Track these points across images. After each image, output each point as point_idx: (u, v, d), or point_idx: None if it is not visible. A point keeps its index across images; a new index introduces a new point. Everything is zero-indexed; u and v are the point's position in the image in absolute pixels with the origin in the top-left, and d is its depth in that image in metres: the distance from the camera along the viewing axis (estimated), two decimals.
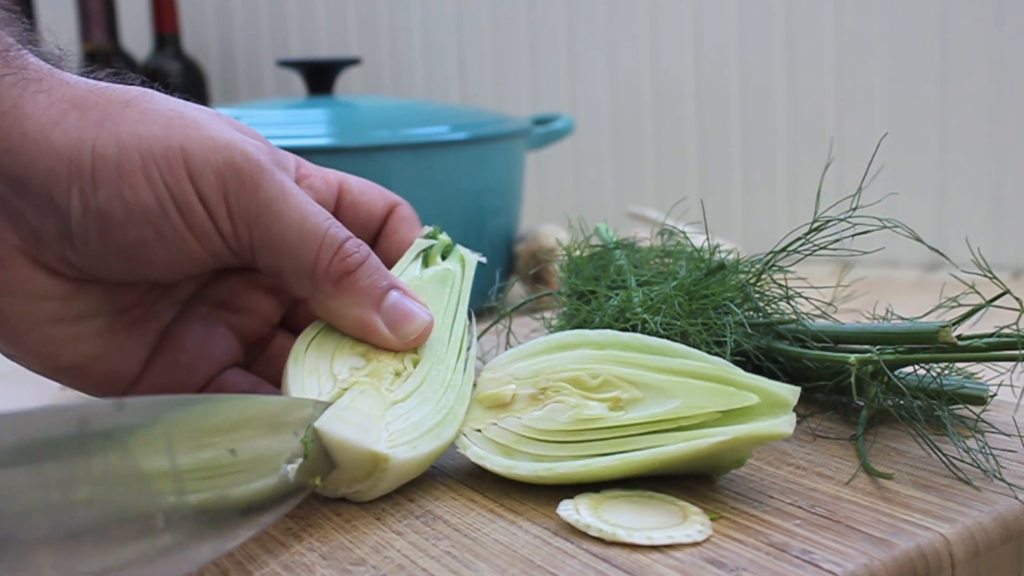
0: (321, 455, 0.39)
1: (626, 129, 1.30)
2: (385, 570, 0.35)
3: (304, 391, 0.40)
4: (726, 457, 0.39)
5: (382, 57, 1.52)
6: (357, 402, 0.40)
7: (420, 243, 0.49)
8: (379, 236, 0.50)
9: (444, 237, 0.50)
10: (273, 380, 0.48)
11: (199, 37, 1.67)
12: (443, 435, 0.41)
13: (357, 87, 1.52)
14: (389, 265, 0.49)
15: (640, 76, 1.27)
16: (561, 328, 0.54)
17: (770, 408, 0.39)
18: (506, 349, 0.58)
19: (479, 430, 0.42)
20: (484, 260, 0.51)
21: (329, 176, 0.49)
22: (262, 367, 0.49)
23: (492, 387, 0.43)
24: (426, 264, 0.49)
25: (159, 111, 0.41)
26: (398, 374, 0.42)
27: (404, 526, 0.38)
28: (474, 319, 0.48)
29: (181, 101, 0.43)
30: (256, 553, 0.36)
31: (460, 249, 0.51)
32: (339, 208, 0.49)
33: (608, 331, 0.43)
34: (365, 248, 0.43)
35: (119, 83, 0.42)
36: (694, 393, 0.39)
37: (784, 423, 0.38)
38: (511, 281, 0.72)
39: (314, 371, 0.41)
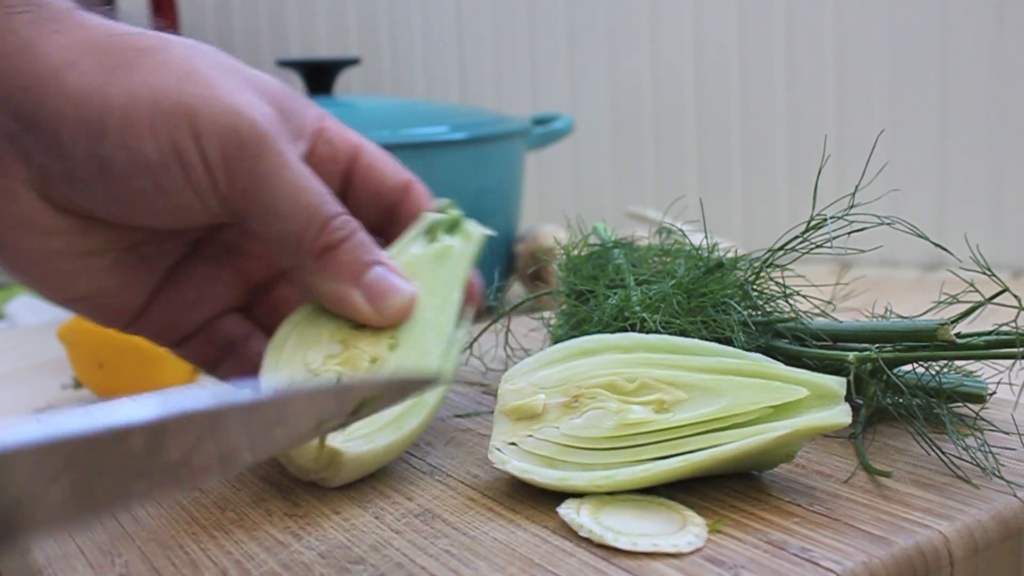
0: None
1: (626, 129, 1.30)
2: (384, 569, 0.35)
3: (277, 382, 0.41)
4: (779, 452, 0.39)
5: (382, 57, 1.52)
6: None
7: (427, 217, 0.49)
8: (397, 212, 0.50)
9: (454, 211, 0.50)
10: (269, 329, 0.48)
11: (199, 37, 1.67)
12: (405, 426, 0.41)
13: (357, 87, 1.52)
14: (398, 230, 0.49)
15: (640, 76, 1.27)
16: (560, 328, 0.54)
17: (819, 400, 0.39)
18: (505, 349, 0.58)
19: (514, 443, 0.41)
20: (494, 234, 0.50)
21: (349, 135, 0.49)
22: (261, 314, 0.49)
23: (516, 398, 0.42)
24: (431, 240, 0.48)
25: (174, 63, 0.41)
26: (374, 360, 0.43)
27: (403, 525, 0.38)
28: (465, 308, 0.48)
29: (198, 50, 0.43)
30: (255, 552, 0.36)
31: (468, 223, 0.50)
32: (355, 170, 0.49)
33: (632, 334, 0.43)
34: (353, 225, 0.43)
35: (141, 25, 0.43)
36: (741, 390, 0.39)
37: (839, 413, 0.38)
38: (511, 281, 0.72)
39: (289, 362, 0.42)
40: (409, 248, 0.47)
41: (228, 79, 0.42)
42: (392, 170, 0.50)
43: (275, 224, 0.42)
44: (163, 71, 0.40)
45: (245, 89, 0.42)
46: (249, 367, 0.47)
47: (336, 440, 0.40)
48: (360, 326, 0.44)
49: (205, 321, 0.47)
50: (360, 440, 0.40)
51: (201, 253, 0.47)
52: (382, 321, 0.43)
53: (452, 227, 0.49)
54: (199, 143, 0.40)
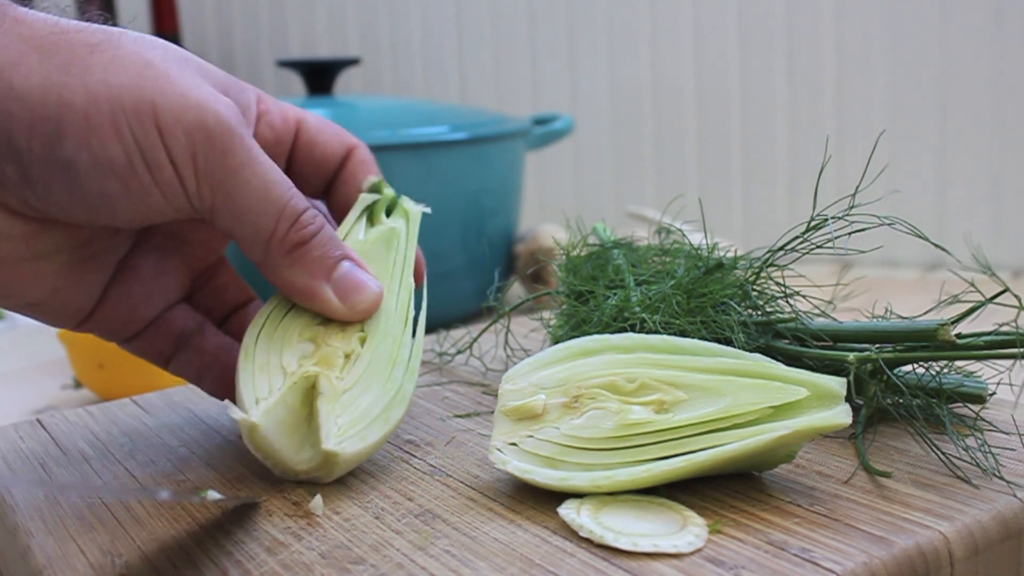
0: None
1: (626, 129, 1.30)
2: (384, 569, 0.35)
3: (256, 390, 0.41)
4: (779, 452, 0.39)
5: (382, 57, 1.52)
6: (294, 394, 0.41)
7: (365, 198, 0.49)
8: (337, 179, 0.50)
9: (388, 191, 0.50)
10: (215, 314, 0.49)
11: (199, 37, 1.67)
12: (392, 417, 0.42)
13: (357, 87, 1.52)
14: (344, 212, 0.49)
15: (640, 76, 1.27)
16: (559, 328, 0.54)
17: (820, 400, 0.39)
18: (505, 349, 0.59)
19: (514, 443, 0.41)
20: (429, 211, 0.51)
21: (288, 113, 0.49)
22: (206, 298, 0.49)
23: (517, 399, 0.42)
24: (371, 222, 0.49)
25: (128, 58, 0.40)
26: (348, 356, 0.43)
27: (403, 525, 0.38)
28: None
29: (148, 43, 0.41)
30: (255, 552, 0.36)
31: (404, 202, 0.51)
32: (295, 147, 0.49)
33: (632, 335, 0.43)
34: (320, 219, 0.43)
35: (81, 20, 0.41)
36: (741, 390, 0.39)
37: (839, 413, 0.38)
38: (510, 281, 0.72)
39: (264, 367, 0.42)
40: (355, 234, 0.48)
41: (184, 71, 0.41)
42: (333, 138, 0.49)
43: (245, 221, 0.41)
44: (118, 68, 0.39)
45: (202, 81, 0.42)
46: (204, 359, 0.47)
47: (330, 442, 0.40)
48: (326, 320, 0.44)
49: (156, 315, 0.47)
50: (354, 439, 0.41)
51: (147, 244, 0.47)
52: (353, 316, 0.44)
53: (390, 207, 0.50)
54: (165, 140, 0.39)
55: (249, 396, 0.41)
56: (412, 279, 0.48)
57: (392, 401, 0.42)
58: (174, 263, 0.47)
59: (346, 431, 0.41)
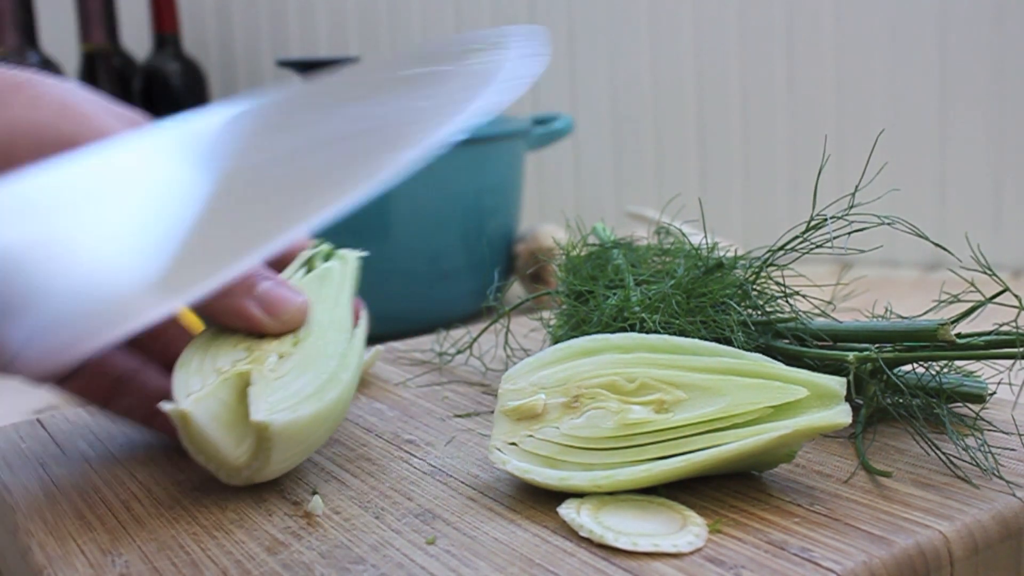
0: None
1: (626, 129, 1.30)
2: (384, 568, 0.35)
3: (188, 387, 0.41)
4: (779, 452, 0.39)
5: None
6: (227, 389, 0.41)
7: (304, 254, 0.51)
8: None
9: (325, 246, 0.53)
10: (161, 358, 0.49)
11: (199, 37, 1.67)
12: (326, 397, 0.42)
13: None
14: (282, 267, 0.51)
15: (640, 76, 1.27)
16: (559, 328, 0.54)
17: (819, 400, 0.39)
18: (505, 349, 0.58)
19: (514, 443, 0.41)
20: (366, 254, 0.54)
21: None
22: (147, 341, 0.49)
23: (517, 398, 0.42)
24: (309, 270, 0.51)
25: (48, 99, 0.42)
26: (281, 356, 0.43)
27: (403, 524, 0.38)
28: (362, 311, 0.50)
29: (70, 90, 0.44)
30: (255, 552, 0.36)
31: (342, 252, 0.53)
32: None
33: (632, 334, 0.43)
34: None
35: (8, 66, 0.44)
36: (741, 390, 0.39)
37: (839, 413, 0.38)
38: (510, 281, 0.72)
39: (198, 370, 0.42)
40: (292, 277, 0.49)
41: (100, 113, 0.43)
42: None
43: None
44: (39, 105, 0.42)
45: (117, 122, 0.44)
46: (145, 399, 0.47)
47: (260, 414, 0.39)
48: (261, 336, 0.44)
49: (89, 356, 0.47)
50: (285, 412, 0.39)
51: None
52: (280, 328, 0.44)
53: (328, 256, 0.52)
54: None
55: (181, 392, 0.40)
56: (349, 307, 0.49)
57: (326, 384, 0.42)
58: None
59: (276, 406, 0.40)
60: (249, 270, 0.44)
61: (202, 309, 0.44)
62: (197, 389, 0.40)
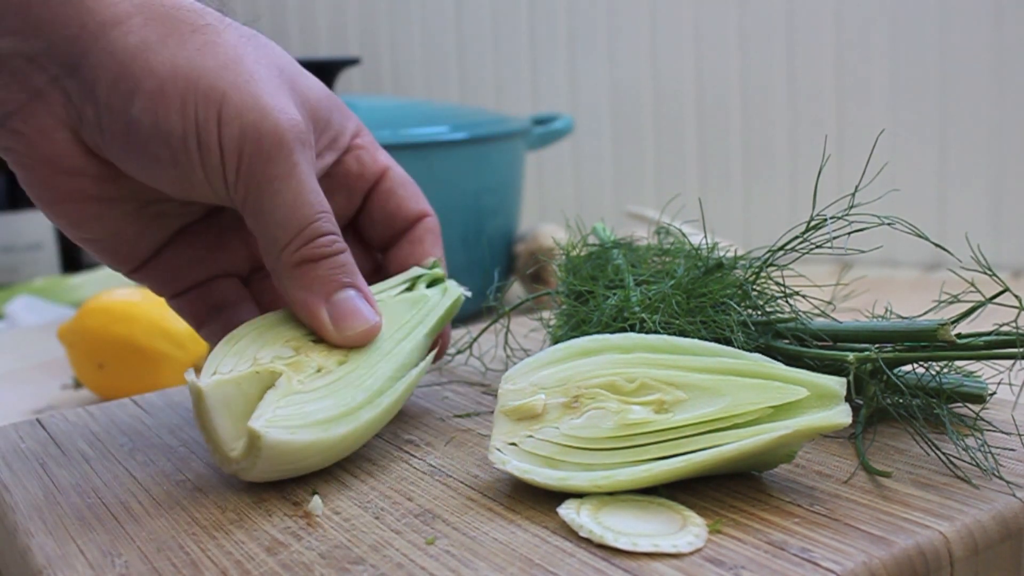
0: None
1: (626, 129, 1.30)
2: (384, 569, 0.35)
3: (219, 365, 0.41)
4: (779, 452, 0.39)
5: (382, 57, 1.52)
6: (253, 381, 0.41)
7: (413, 271, 0.51)
8: (402, 237, 0.52)
9: (439, 271, 0.52)
10: (261, 303, 0.51)
11: None
12: (332, 431, 0.41)
13: (357, 87, 1.52)
14: (399, 269, 0.51)
15: (640, 76, 1.27)
16: (559, 328, 0.54)
17: (820, 400, 0.39)
18: (505, 349, 0.58)
19: (514, 443, 0.41)
20: (469, 294, 0.52)
21: (380, 157, 0.51)
22: (257, 288, 0.51)
23: (517, 398, 0.42)
24: (410, 290, 0.50)
25: (222, 48, 0.43)
26: (319, 369, 0.43)
27: (403, 525, 0.38)
28: (428, 355, 0.48)
29: (252, 43, 0.44)
30: (255, 552, 0.36)
31: (449, 282, 0.52)
32: (375, 189, 0.51)
33: (632, 334, 0.43)
34: (341, 246, 0.44)
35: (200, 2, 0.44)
36: (741, 390, 0.39)
37: (839, 413, 0.38)
38: (510, 281, 0.72)
39: (239, 352, 0.42)
40: (389, 291, 0.49)
41: (269, 77, 0.43)
42: (412, 199, 0.52)
43: (267, 226, 0.43)
44: (209, 53, 0.42)
45: (283, 91, 0.44)
46: (228, 331, 0.48)
47: (258, 422, 0.39)
48: (319, 340, 0.44)
49: (203, 279, 0.49)
50: (282, 430, 0.39)
51: (215, 219, 0.49)
52: (341, 341, 0.44)
53: (433, 282, 0.51)
54: (221, 129, 0.41)
55: (211, 368, 0.41)
56: (426, 343, 0.48)
57: (339, 417, 0.41)
58: (235, 244, 0.50)
59: (279, 421, 0.39)
60: (340, 268, 0.44)
61: (281, 290, 0.45)
62: (226, 371, 0.41)
